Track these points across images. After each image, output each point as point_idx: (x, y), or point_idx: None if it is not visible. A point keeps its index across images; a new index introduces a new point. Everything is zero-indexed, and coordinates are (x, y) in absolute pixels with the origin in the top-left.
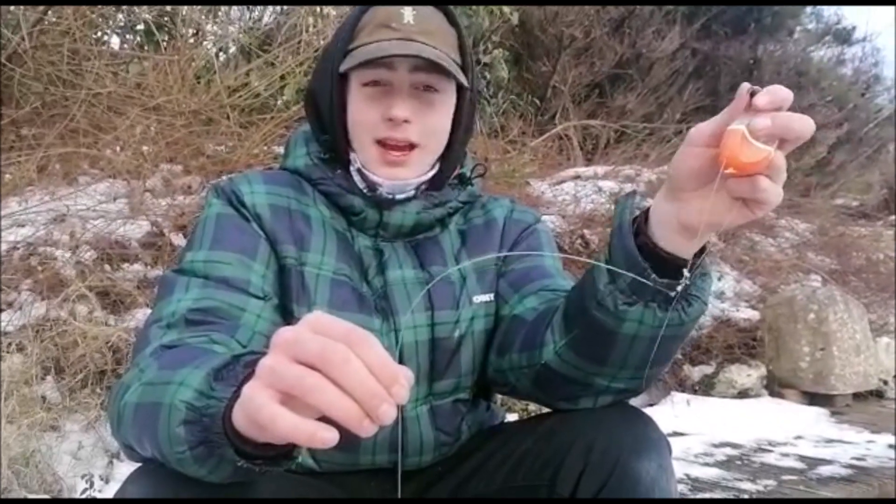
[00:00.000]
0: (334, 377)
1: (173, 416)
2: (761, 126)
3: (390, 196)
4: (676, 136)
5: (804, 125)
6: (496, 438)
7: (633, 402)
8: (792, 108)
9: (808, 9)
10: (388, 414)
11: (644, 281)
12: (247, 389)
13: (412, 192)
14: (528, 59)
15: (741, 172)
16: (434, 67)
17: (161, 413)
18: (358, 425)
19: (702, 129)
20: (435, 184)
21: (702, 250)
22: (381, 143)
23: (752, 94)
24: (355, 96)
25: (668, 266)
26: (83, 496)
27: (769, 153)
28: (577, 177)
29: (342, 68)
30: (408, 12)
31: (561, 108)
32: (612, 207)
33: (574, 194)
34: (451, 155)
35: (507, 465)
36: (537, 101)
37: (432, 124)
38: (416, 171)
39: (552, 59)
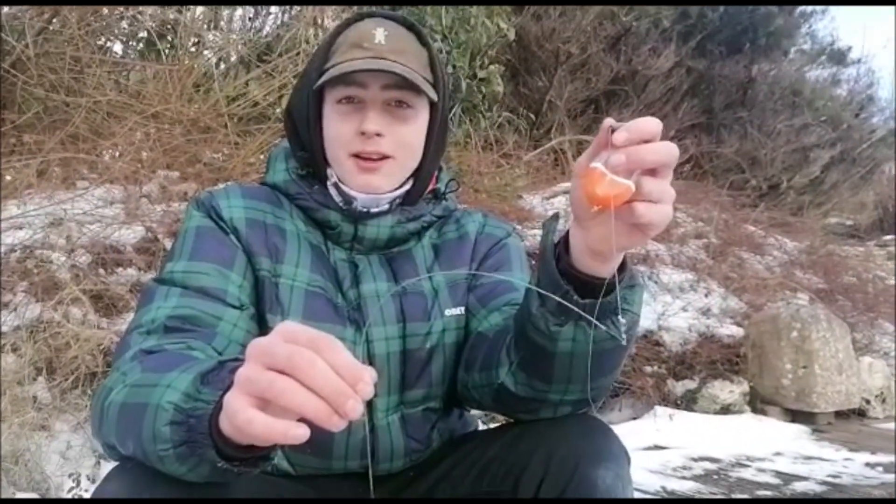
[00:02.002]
0: (303, 379)
1: (160, 416)
2: (616, 162)
3: (365, 210)
4: None
5: (659, 154)
6: (465, 446)
7: (617, 415)
8: (786, 128)
9: (803, 29)
10: (355, 409)
11: (571, 303)
12: (227, 397)
13: (386, 207)
14: (525, 75)
15: (606, 206)
16: (403, 83)
17: (147, 413)
18: (328, 421)
19: (580, 162)
20: (409, 199)
21: (623, 267)
22: (356, 157)
23: (614, 131)
24: (330, 113)
25: (595, 285)
26: (69, 495)
27: (627, 187)
28: (569, 191)
29: (315, 85)
30: (379, 33)
31: (556, 122)
32: None
33: (565, 208)
34: (423, 170)
35: (474, 471)
36: (533, 116)
37: (403, 137)
38: (389, 181)
39: (548, 74)
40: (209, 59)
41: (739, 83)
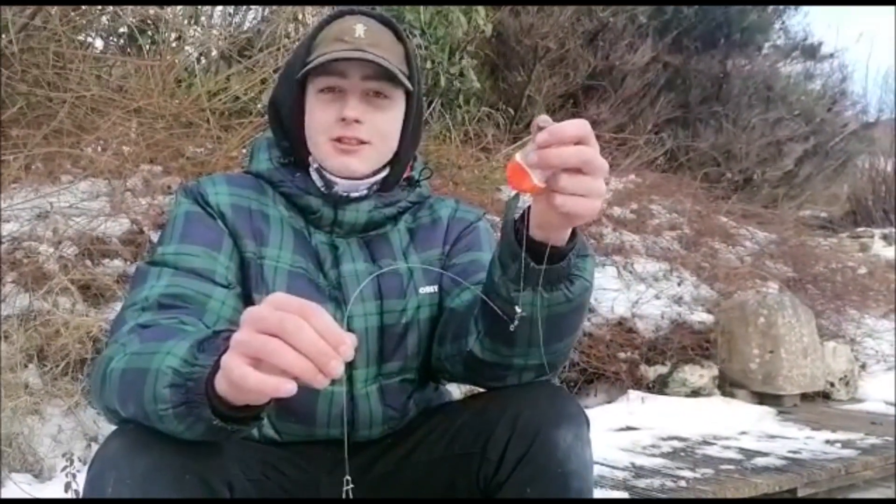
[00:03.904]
0: (291, 342)
1: (160, 379)
2: (531, 161)
3: (345, 195)
4: (647, 146)
5: (564, 158)
6: (438, 414)
7: (593, 399)
8: (760, 122)
9: (777, 24)
10: (337, 369)
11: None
12: (224, 357)
13: (365, 192)
14: (504, 70)
15: (522, 192)
16: (381, 73)
17: (148, 377)
18: (313, 379)
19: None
20: (385, 185)
21: (573, 238)
22: (335, 140)
23: (541, 128)
24: (313, 102)
25: (551, 255)
26: (62, 474)
27: (535, 184)
28: None
29: (299, 74)
30: (359, 28)
31: (535, 117)
32: None
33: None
34: (400, 158)
35: (447, 436)
36: (512, 111)
37: (380, 125)
38: (366, 165)
39: (527, 69)
40: (190, 54)
41: (715, 78)
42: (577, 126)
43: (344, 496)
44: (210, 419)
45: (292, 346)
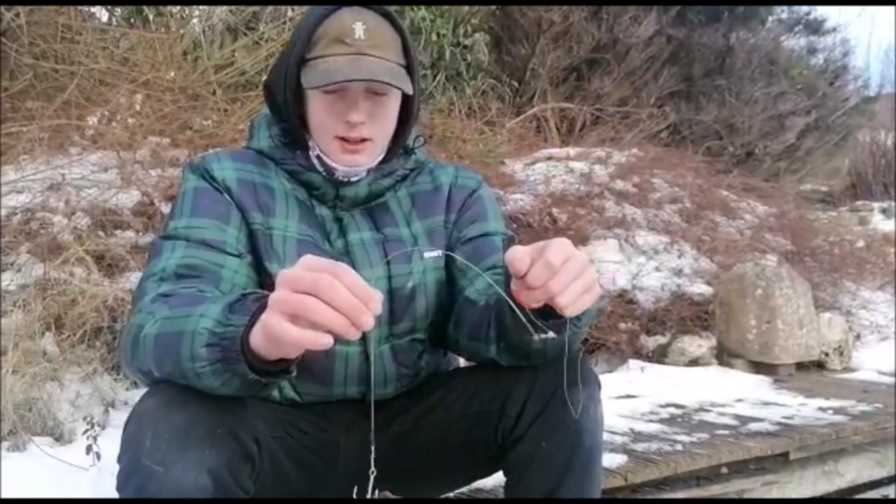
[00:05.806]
0: (325, 299)
1: (197, 340)
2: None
3: (345, 179)
4: (650, 120)
5: (563, 283)
6: (456, 376)
7: (596, 368)
8: (763, 95)
9: None
10: (368, 322)
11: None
12: (263, 316)
13: (364, 173)
14: (508, 42)
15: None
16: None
17: (184, 338)
18: (346, 331)
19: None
20: (383, 159)
21: None
22: (340, 139)
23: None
24: (316, 101)
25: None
26: (83, 437)
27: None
28: (551, 158)
29: (307, 85)
30: (359, 27)
31: (539, 90)
32: (580, 188)
33: (545, 174)
34: (399, 138)
35: (464, 396)
36: (516, 84)
37: (382, 122)
38: (370, 158)
39: (531, 42)
40: (196, 27)
41: (718, 51)
42: (562, 246)
43: (368, 492)
44: (246, 374)
45: (327, 302)
